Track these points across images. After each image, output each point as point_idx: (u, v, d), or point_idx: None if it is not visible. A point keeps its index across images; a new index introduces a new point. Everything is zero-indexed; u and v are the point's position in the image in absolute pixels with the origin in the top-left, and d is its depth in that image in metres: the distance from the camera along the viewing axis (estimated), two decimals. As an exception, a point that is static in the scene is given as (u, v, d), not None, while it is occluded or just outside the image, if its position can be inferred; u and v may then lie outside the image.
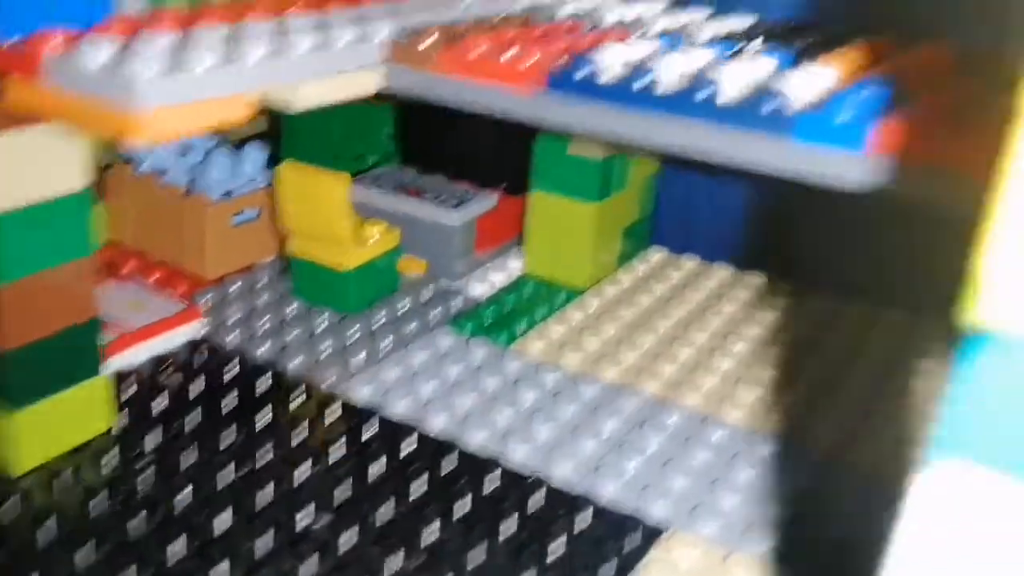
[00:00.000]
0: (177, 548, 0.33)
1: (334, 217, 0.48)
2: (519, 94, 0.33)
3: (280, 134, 0.63)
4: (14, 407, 0.35)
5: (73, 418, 0.37)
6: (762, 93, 0.29)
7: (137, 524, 0.34)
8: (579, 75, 0.32)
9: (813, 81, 0.30)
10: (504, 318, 0.50)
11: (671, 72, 0.31)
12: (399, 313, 0.50)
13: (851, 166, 0.28)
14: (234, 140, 0.57)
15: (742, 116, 0.29)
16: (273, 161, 0.55)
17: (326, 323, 0.48)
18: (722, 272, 0.56)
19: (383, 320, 0.49)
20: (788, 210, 0.59)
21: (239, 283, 0.51)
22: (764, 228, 0.61)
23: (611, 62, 0.32)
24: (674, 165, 0.61)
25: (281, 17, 0.37)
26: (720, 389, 0.44)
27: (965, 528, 0.17)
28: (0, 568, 0.32)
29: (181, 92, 0.29)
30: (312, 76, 0.33)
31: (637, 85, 0.31)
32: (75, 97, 0.29)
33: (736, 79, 0.31)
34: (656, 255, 0.58)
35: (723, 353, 0.47)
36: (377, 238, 0.50)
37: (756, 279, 0.55)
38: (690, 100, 0.30)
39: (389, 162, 0.62)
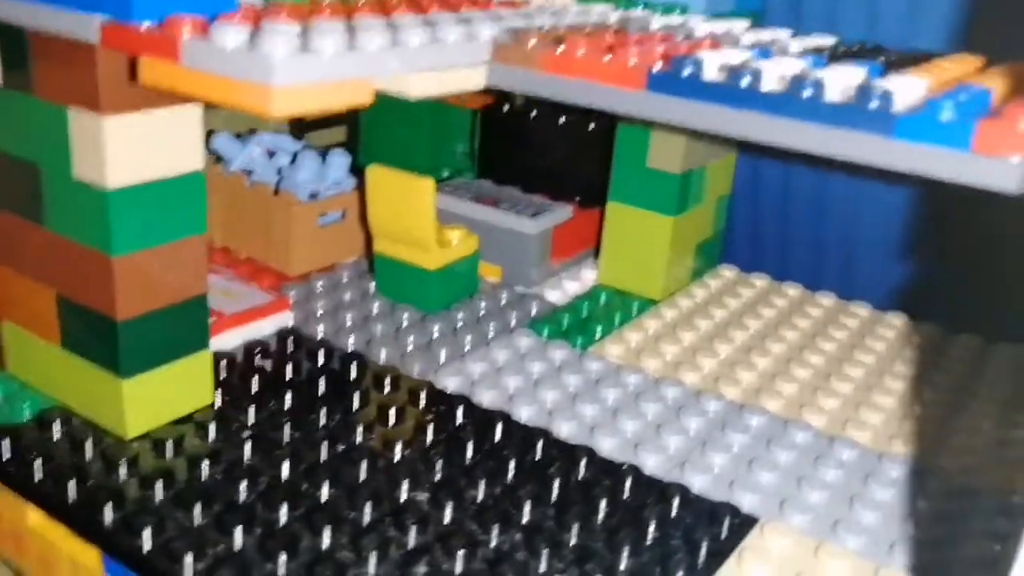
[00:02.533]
0: (283, 513, 0.34)
1: (420, 219, 0.49)
2: (624, 90, 0.34)
3: (357, 145, 0.66)
4: (126, 375, 0.37)
5: (180, 389, 0.39)
6: (866, 93, 0.30)
7: (243, 490, 0.35)
8: (683, 74, 0.33)
9: (910, 86, 0.31)
10: (580, 323, 0.51)
11: (772, 74, 0.33)
12: (479, 314, 0.51)
13: (955, 164, 0.29)
14: (318, 147, 0.59)
15: (847, 114, 0.30)
16: (356, 169, 0.56)
17: (409, 320, 0.49)
18: (792, 291, 0.57)
19: (463, 320, 0.50)
20: (858, 234, 0.60)
21: (323, 280, 0.53)
22: (836, 251, 0.62)
23: (711, 64, 0.34)
24: (746, 189, 0.62)
25: (389, 15, 0.38)
26: (798, 396, 0.45)
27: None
28: (116, 522, 0.33)
29: (311, 72, 0.30)
30: (424, 68, 0.35)
31: (742, 83, 0.32)
32: (212, 75, 0.30)
33: (837, 81, 0.32)
34: (727, 272, 0.59)
35: (800, 364, 0.48)
36: (457, 242, 0.51)
37: (827, 299, 0.56)
38: (796, 98, 0.31)
39: (464, 175, 0.63)
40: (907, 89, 0.30)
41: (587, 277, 0.57)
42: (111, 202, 0.34)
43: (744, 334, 0.51)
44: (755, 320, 0.52)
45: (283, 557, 0.32)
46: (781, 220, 0.62)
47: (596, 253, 0.57)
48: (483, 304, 0.52)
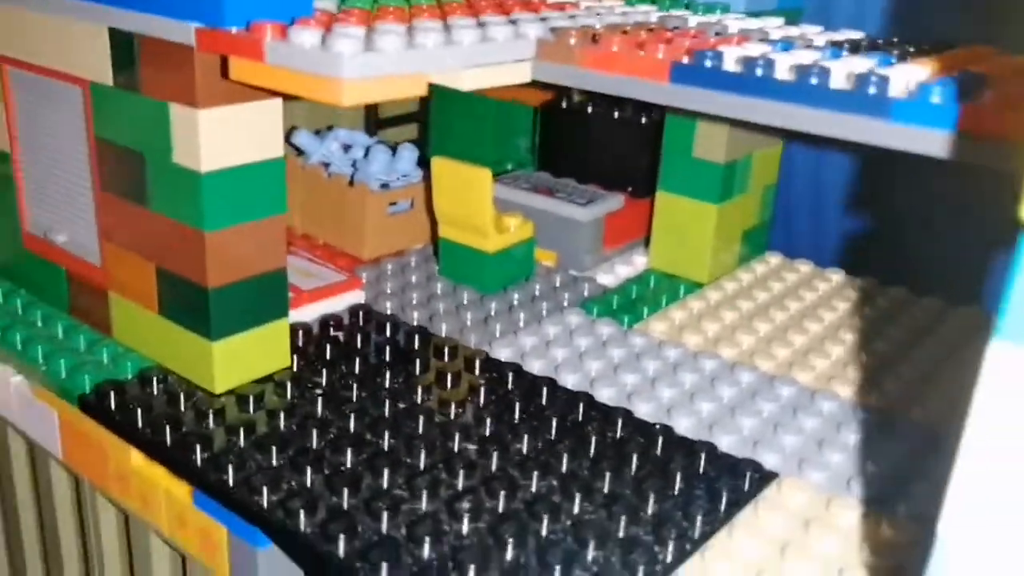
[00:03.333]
0: (348, 458, 0.39)
1: (478, 206, 0.54)
2: (651, 82, 0.38)
3: (427, 139, 0.70)
4: (216, 338, 0.42)
5: (262, 352, 0.44)
6: (866, 80, 0.34)
7: (314, 438, 0.40)
8: (704, 65, 0.36)
9: (910, 74, 0.34)
10: (629, 303, 0.55)
11: (784, 64, 0.36)
12: (533, 295, 0.55)
13: (944, 143, 0.32)
14: (390, 141, 0.64)
15: (848, 99, 0.33)
16: (423, 162, 0.61)
17: (468, 299, 0.54)
18: (836, 276, 0.60)
19: (519, 299, 0.54)
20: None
21: (392, 264, 0.58)
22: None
23: (731, 56, 0.37)
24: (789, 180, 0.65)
25: (446, 18, 0.43)
26: (829, 370, 0.48)
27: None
28: (205, 462, 0.38)
29: (376, 67, 0.35)
30: (475, 64, 0.39)
31: (756, 73, 0.35)
32: (292, 71, 0.35)
33: (842, 70, 0.35)
34: (773, 259, 0.62)
35: (834, 341, 0.50)
36: (514, 228, 0.56)
37: (867, 283, 0.59)
38: (802, 85, 0.34)
39: (526, 168, 0.67)
40: (906, 76, 0.34)
41: (638, 262, 0.60)
42: (204, 184, 0.40)
43: (783, 314, 0.54)
44: (795, 302, 0.55)
45: (346, 492, 0.36)
46: (826, 209, 0.64)
47: (647, 241, 0.61)
48: (538, 286, 0.56)
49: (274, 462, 0.38)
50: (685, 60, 0.37)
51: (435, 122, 0.71)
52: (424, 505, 0.36)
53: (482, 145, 0.69)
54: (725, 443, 0.41)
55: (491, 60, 0.39)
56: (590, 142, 0.63)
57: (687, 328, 0.51)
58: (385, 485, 0.37)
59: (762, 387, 0.46)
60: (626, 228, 0.61)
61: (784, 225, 0.66)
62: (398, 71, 0.36)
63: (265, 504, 0.36)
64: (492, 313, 0.53)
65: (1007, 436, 0.21)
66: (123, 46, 0.41)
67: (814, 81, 0.34)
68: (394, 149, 0.61)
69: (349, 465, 0.38)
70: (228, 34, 0.36)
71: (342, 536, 0.34)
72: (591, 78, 0.39)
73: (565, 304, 0.54)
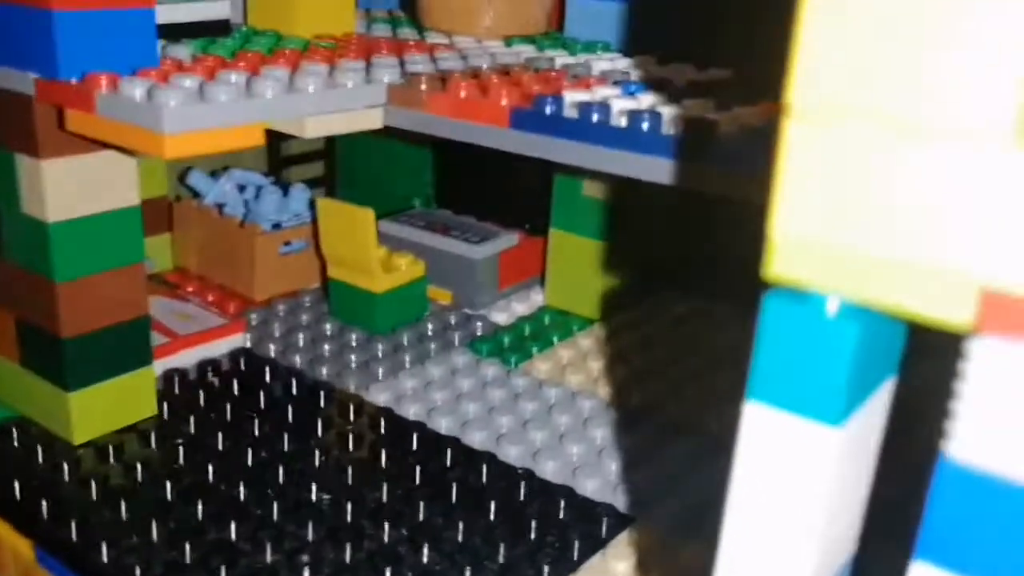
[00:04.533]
0: (197, 510, 0.38)
1: (363, 245, 0.53)
2: (492, 128, 0.38)
3: (335, 179, 0.70)
4: (73, 387, 0.41)
5: (124, 401, 0.43)
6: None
7: (167, 490, 0.39)
8: (542, 111, 0.36)
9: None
10: (519, 342, 0.54)
11: (621, 108, 0.36)
12: (425, 334, 0.55)
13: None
14: (284, 181, 0.64)
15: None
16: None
17: (356, 340, 0.54)
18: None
19: (408, 340, 0.54)
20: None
21: (284, 305, 0.57)
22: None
23: (570, 101, 0.37)
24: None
25: (298, 64, 0.42)
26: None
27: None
28: (50, 517, 0.37)
29: (202, 119, 0.35)
30: (321, 111, 0.39)
31: (592, 119, 0.35)
32: (120, 124, 0.35)
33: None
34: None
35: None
36: (404, 267, 0.55)
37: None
38: (633, 131, 0.34)
39: (430, 205, 0.67)
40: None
41: (535, 300, 0.60)
42: (52, 233, 0.39)
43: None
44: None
45: (188, 546, 0.36)
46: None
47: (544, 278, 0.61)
48: (430, 326, 0.56)
49: (123, 515, 0.38)
50: (524, 105, 0.37)
51: (343, 161, 0.71)
52: (268, 558, 0.36)
53: (390, 183, 0.69)
54: (589, 487, 0.41)
55: (337, 107, 0.39)
56: (487, 179, 0.63)
57: (571, 367, 0.51)
58: (233, 537, 0.37)
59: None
60: (521, 266, 0.61)
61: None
62: (229, 122, 0.36)
63: (105, 560, 0.35)
64: (379, 355, 0.52)
65: (747, 492, 0.21)
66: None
67: (644, 127, 0.34)
68: (290, 188, 0.61)
69: (200, 518, 0.38)
70: (63, 85, 0.36)
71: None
72: (438, 124, 0.39)
73: (456, 343, 0.54)
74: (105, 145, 0.38)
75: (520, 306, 0.59)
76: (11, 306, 0.43)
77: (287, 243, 0.58)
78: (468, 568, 0.35)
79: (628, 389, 0.49)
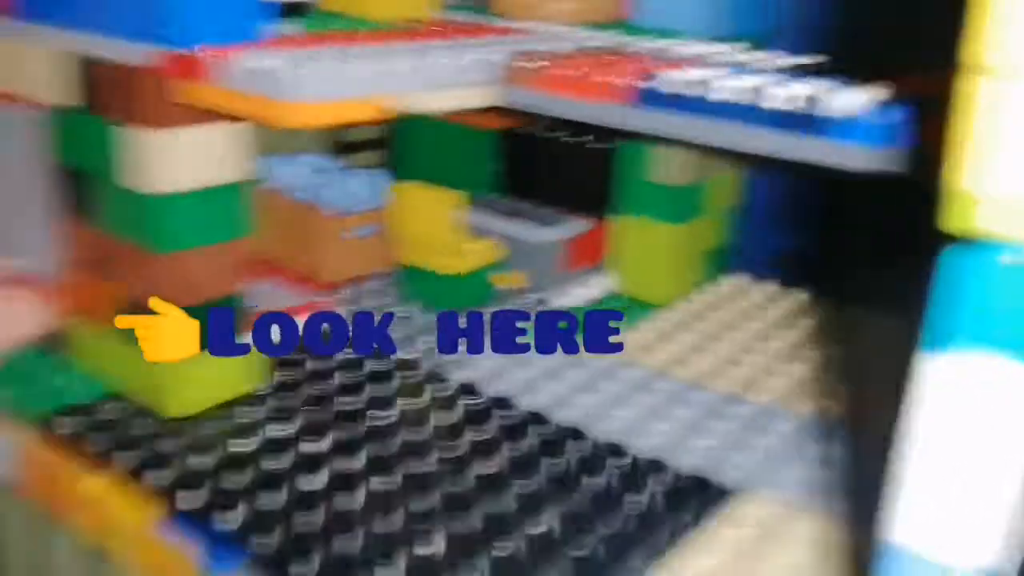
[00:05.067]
0: (315, 481, 0.39)
1: (442, 229, 0.54)
2: (615, 105, 0.38)
3: (394, 163, 0.71)
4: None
5: (224, 375, 0.44)
6: (808, 102, 0.34)
7: (277, 462, 0.40)
8: (655, 88, 0.37)
9: (852, 97, 0.35)
10: (590, 325, 0.55)
11: (734, 87, 0.37)
12: (496, 317, 0.55)
13: (880, 160, 0.33)
14: (355, 166, 0.65)
15: (790, 120, 0.34)
16: (386, 187, 0.61)
17: (428, 322, 0.54)
18: (801, 296, 0.60)
19: (481, 322, 0.55)
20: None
21: (352, 289, 0.58)
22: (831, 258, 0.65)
23: (679, 79, 0.38)
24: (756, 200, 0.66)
25: (414, 41, 0.43)
26: (787, 388, 0.49)
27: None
28: (171, 484, 0.38)
29: (334, 89, 0.35)
30: (439, 88, 0.40)
31: (699, 94, 0.36)
32: (243, 94, 0.35)
33: (787, 93, 0.36)
34: (734, 280, 0.62)
35: (791, 360, 0.51)
36: (477, 251, 0.56)
37: (827, 302, 0.60)
38: (742, 106, 0.35)
39: (491, 191, 0.68)
40: (847, 97, 0.34)
41: (603, 285, 0.61)
42: (158, 206, 0.40)
43: (741, 334, 0.54)
44: (755, 323, 0.56)
45: (322, 510, 0.36)
46: (786, 229, 0.65)
47: (609, 263, 0.61)
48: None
49: (244, 484, 0.38)
50: (644, 84, 0.37)
51: (401, 147, 0.71)
52: (386, 527, 0.36)
53: (448, 169, 0.69)
54: (685, 463, 0.42)
55: (457, 84, 0.39)
56: (552, 165, 0.63)
57: (648, 349, 0.52)
58: (359, 506, 0.37)
59: (717, 407, 0.46)
60: (587, 251, 0.61)
61: (748, 246, 0.67)
62: (359, 94, 0.36)
63: (237, 526, 0.36)
64: (454, 336, 0.53)
65: (940, 441, 0.21)
66: (76, 68, 0.41)
67: (754, 102, 0.34)
68: (358, 174, 0.61)
69: (315, 489, 0.38)
70: (179, 55, 0.37)
71: (317, 557, 0.34)
72: (555, 102, 0.39)
73: (527, 327, 0.55)
74: (222, 116, 0.39)
75: (585, 291, 0.60)
76: (111, 278, 0.43)
77: (356, 227, 0.59)
78: (578, 534, 0.36)
79: (713, 372, 0.50)
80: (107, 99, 0.40)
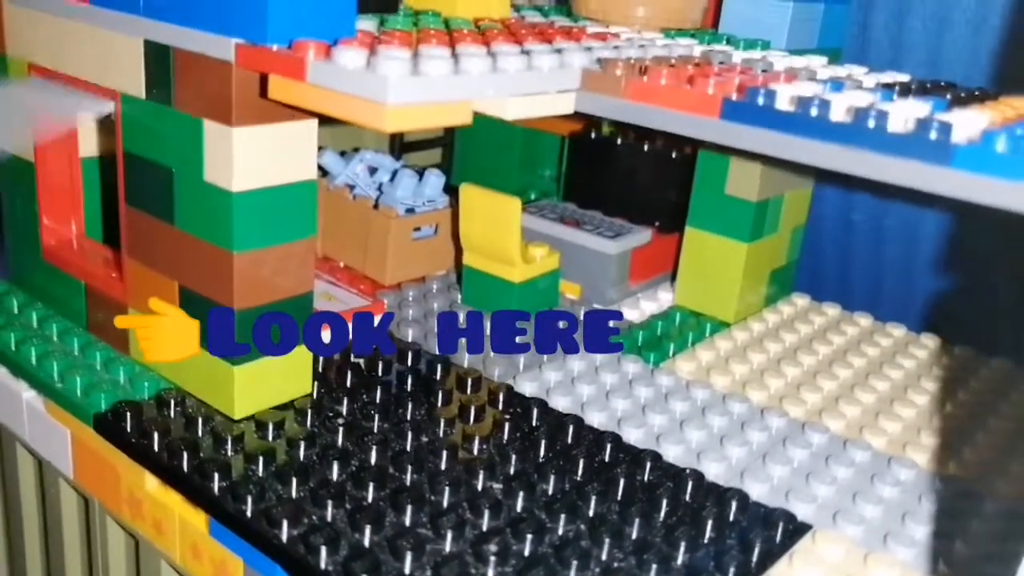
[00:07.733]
0: (369, 493, 0.37)
1: (506, 235, 0.53)
2: (701, 118, 0.37)
3: (451, 165, 0.70)
4: (236, 362, 0.41)
5: (283, 379, 0.43)
6: (927, 125, 0.33)
7: (335, 470, 0.39)
8: (756, 103, 0.36)
9: (970, 120, 0.34)
10: (655, 340, 0.54)
11: (840, 105, 0.35)
12: (558, 328, 0.54)
13: (1009, 194, 0.31)
14: (415, 166, 0.63)
15: (909, 144, 0.32)
16: (448, 188, 0.60)
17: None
18: (864, 321, 0.59)
19: (543, 332, 0.53)
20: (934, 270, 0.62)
21: (414, 290, 0.57)
22: (903, 285, 0.63)
23: (784, 95, 0.36)
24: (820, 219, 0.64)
25: (489, 44, 0.42)
26: (860, 418, 0.47)
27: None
28: (223, 490, 0.37)
29: (421, 92, 0.34)
30: (520, 93, 0.38)
31: (811, 113, 0.35)
32: (334, 92, 0.34)
33: (901, 113, 0.34)
34: (800, 300, 0.61)
35: (864, 388, 0.49)
36: (540, 258, 0.55)
37: (897, 330, 0.58)
38: (861, 128, 0.33)
39: (550, 197, 0.67)
40: (967, 122, 0.33)
41: (664, 298, 0.59)
42: (235, 204, 0.39)
43: (812, 358, 0.53)
44: (823, 345, 0.54)
45: (368, 529, 0.35)
46: (852, 250, 0.63)
47: (673, 277, 0.60)
48: (563, 318, 0.55)
49: (294, 494, 0.37)
50: (735, 97, 0.36)
51: (461, 148, 0.70)
52: (448, 546, 0.35)
53: (508, 172, 0.68)
54: (756, 491, 0.40)
55: (536, 89, 0.38)
56: (618, 174, 0.62)
57: (714, 369, 0.50)
58: (408, 523, 0.36)
59: (792, 433, 0.44)
60: (652, 263, 0.60)
61: (811, 266, 0.65)
62: (443, 98, 0.35)
63: (284, 538, 0.35)
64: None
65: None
66: (158, 59, 0.40)
67: (871, 124, 0.33)
68: (421, 174, 0.60)
69: (371, 500, 0.37)
70: (269, 51, 0.35)
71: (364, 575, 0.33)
72: (638, 111, 0.38)
73: (589, 338, 0.53)
74: (308, 115, 0.38)
75: (649, 304, 0.58)
76: (176, 275, 0.42)
77: (418, 228, 0.58)
78: (654, 566, 0.34)
79: (780, 397, 0.48)
80: (188, 92, 0.39)
